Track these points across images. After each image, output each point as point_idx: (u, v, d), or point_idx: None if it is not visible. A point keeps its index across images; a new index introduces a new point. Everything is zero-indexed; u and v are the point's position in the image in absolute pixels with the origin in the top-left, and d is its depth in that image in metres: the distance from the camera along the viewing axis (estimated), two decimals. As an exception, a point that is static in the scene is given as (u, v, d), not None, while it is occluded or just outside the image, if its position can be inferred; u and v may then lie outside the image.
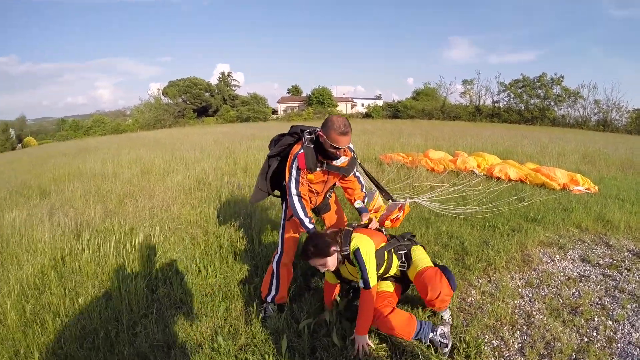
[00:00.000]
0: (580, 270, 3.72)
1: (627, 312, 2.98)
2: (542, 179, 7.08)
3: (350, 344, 2.50)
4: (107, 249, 3.98)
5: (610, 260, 3.94)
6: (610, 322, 2.85)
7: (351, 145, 2.86)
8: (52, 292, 3.34)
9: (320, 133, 2.62)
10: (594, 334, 2.72)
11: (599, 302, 3.13)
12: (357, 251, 2.46)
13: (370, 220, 2.94)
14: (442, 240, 4.27)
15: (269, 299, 2.99)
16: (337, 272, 2.69)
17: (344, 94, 74.40)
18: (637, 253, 4.09)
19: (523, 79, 48.36)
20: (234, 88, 66.22)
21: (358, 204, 3.05)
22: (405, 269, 2.74)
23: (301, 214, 2.70)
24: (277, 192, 3.17)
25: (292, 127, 2.94)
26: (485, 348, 2.56)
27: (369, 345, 2.45)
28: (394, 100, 59.42)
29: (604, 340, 2.66)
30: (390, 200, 3.17)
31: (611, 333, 2.73)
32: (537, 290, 3.33)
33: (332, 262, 2.46)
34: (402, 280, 2.82)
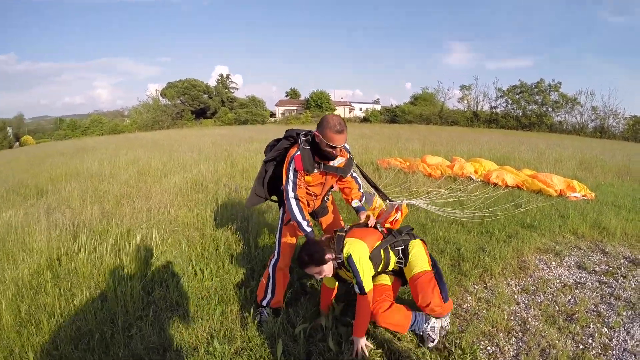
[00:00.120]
0: (576, 277, 3.73)
1: (622, 319, 2.99)
2: (539, 185, 7.10)
3: (347, 348, 2.51)
4: (104, 250, 3.97)
5: (606, 267, 3.95)
6: (606, 329, 2.86)
7: (347, 146, 2.86)
8: (47, 293, 3.33)
9: (316, 133, 2.61)
10: (590, 340, 2.73)
11: (595, 309, 3.14)
12: (349, 258, 2.45)
13: (368, 217, 2.94)
14: (438, 246, 4.28)
15: (264, 302, 2.98)
16: (335, 274, 2.68)
17: (342, 98, 74.56)
18: (633, 260, 4.11)
19: (521, 85, 48.70)
20: (232, 90, 66.30)
21: (355, 203, 3.04)
22: (402, 266, 2.73)
23: (299, 217, 2.69)
24: (274, 197, 3.15)
25: (287, 131, 2.92)
26: (481, 354, 2.56)
27: (367, 345, 2.50)
28: (392, 105, 59.67)
29: (600, 347, 2.67)
30: (387, 201, 3.17)
31: (607, 340, 2.74)
32: (533, 296, 3.34)
33: (328, 269, 2.46)
34: (400, 274, 2.81)
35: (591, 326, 2.89)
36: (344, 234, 2.62)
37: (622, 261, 4.10)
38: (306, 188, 2.81)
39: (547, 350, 2.61)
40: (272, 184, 3.03)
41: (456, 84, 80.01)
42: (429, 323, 2.59)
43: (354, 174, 3.08)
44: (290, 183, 2.70)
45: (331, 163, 2.76)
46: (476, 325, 2.84)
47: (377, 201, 3.31)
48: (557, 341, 2.68)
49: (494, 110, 50.49)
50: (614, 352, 2.62)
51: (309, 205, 2.94)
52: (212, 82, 65.34)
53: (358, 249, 2.49)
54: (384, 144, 14.73)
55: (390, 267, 2.74)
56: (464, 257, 3.97)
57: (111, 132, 49.32)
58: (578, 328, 2.85)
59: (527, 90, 47.94)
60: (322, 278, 2.61)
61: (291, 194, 2.70)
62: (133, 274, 3.58)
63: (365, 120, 55.28)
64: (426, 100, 55.65)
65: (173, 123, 55.34)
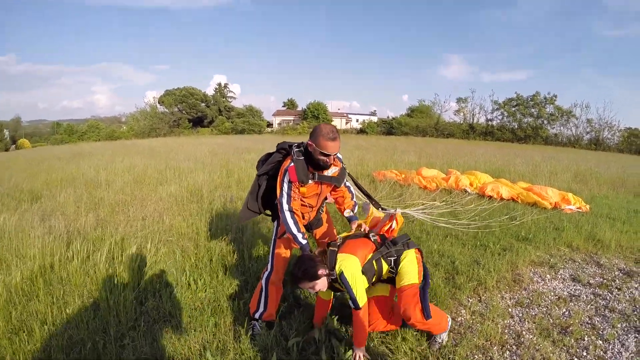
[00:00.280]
0: (571, 290, 3.74)
1: (617, 332, 3.00)
2: (534, 197, 7.14)
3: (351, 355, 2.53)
4: (97, 258, 3.93)
5: (601, 279, 3.97)
6: (601, 342, 2.86)
7: (340, 155, 2.86)
8: (40, 300, 3.30)
9: (309, 142, 2.62)
10: (584, 353, 2.73)
11: (589, 322, 3.15)
12: (341, 275, 2.43)
13: (360, 226, 2.94)
14: (433, 258, 4.28)
15: (256, 315, 2.96)
16: (331, 286, 2.67)
17: (339, 109, 75.05)
18: (628, 272, 4.13)
19: (517, 98, 49.20)
20: (230, 99, 66.69)
21: (348, 213, 3.03)
22: (394, 275, 2.70)
23: (294, 230, 2.68)
24: (268, 212, 3.13)
25: (279, 144, 2.91)
26: (475, 368, 2.55)
27: (365, 356, 2.52)
28: (388, 117, 60.05)
29: (594, 359, 2.66)
30: (380, 209, 3.18)
31: (601, 352, 2.74)
32: (527, 309, 3.34)
33: (321, 284, 2.44)
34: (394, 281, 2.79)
35: (586, 339, 2.89)
36: (336, 249, 2.59)
37: (616, 273, 4.12)
38: (301, 200, 2.80)
39: (541, 364, 2.61)
40: (265, 197, 3.02)
41: (453, 97, 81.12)
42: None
43: (347, 184, 3.08)
44: (285, 195, 2.69)
45: (325, 173, 2.76)
46: (470, 339, 2.82)
47: (372, 210, 3.31)
48: (552, 354, 2.67)
49: (490, 122, 50.94)
50: (608, 366, 2.62)
51: (304, 217, 2.92)
52: (210, 91, 65.86)
53: (350, 266, 2.47)
54: (380, 156, 14.78)
55: (384, 276, 2.73)
56: (459, 270, 3.97)
57: (108, 138, 49.34)
58: (572, 341, 2.85)
59: (523, 102, 48.43)
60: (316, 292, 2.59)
61: (285, 207, 2.69)
62: (126, 283, 3.55)
63: (361, 131, 55.57)
64: (422, 113, 56.10)
65: (170, 131, 55.45)
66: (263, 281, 3.00)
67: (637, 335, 2.94)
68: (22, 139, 56.80)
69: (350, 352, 2.55)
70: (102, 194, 7.41)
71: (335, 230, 3.37)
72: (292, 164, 2.66)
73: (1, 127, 58.03)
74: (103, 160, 14.62)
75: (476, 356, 2.68)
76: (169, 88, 62.01)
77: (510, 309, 3.34)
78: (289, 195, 2.69)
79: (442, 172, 9.61)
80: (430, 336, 2.76)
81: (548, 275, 4.05)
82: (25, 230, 4.83)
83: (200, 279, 3.70)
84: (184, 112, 60.40)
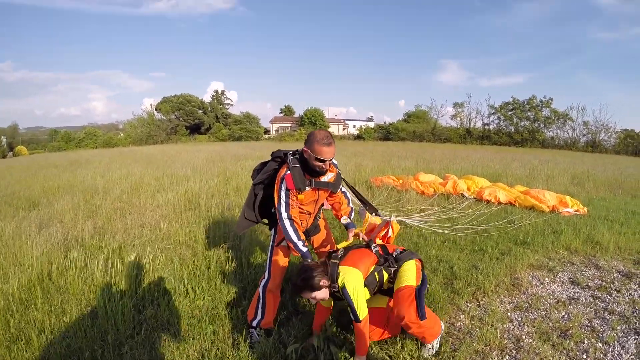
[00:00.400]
0: (570, 293, 3.73)
1: (617, 334, 2.99)
2: (531, 201, 7.16)
3: None
4: (95, 267, 3.92)
5: (600, 281, 3.97)
6: (600, 344, 2.85)
7: (335, 161, 2.87)
8: (37, 308, 3.29)
9: (305, 148, 2.63)
10: (584, 356, 2.72)
11: (589, 325, 3.14)
12: (343, 289, 2.41)
13: (357, 235, 2.92)
14: (431, 264, 4.26)
15: (254, 323, 2.94)
16: (332, 294, 2.65)
17: (336, 115, 75.29)
18: (627, 274, 4.13)
19: (513, 102, 49.48)
20: (227, 106, 66.83)
21: (345, 220, 3.04)
22: (392, 285, 2.69)
23: (294, 238, 2.67)
24: (265, 220, 3.12)
25: (273, 152, 2.91)
26: (475, 373, 2.54)
27: None
28: (385, 122, 60.38)
29: (594, 364, 2.66)
30: (374, 214, 3.18)
31: (601, 355, 2.73)
32: (526, 313, 3.33)
33: (322, 295, 2.43)
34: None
35: (585, 342, 2.89)
36: (337, 262, 2.56)
37: (615, 275, 4.12)
38: (299, 207, 2.80)
39: (541, 368, 2.60)
40: (263, 206, 3.01)
41: (449, 102, 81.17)
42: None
43: (343, 189, 3.09)
44: (283, 204, 2.68)
45: (322, 179, 2.77)
46: (469, 344, 2.81)
47: (369, 216, 3.32)
48: (552, 358, 2.67)
49: (486, 127, 51.17)
50: (608, 369, 2.61)
51: (301, 225, 2.92)
52: (207, 98, 66.02)
53: (352, 279, 2.44)
54: (377, 162, 14.80)
55: (385, 286, 2.72)
56: (457, 275, 3.96)
57: (105, 145, 49.39)
58: (572, 344, 2.84)
59: (519, 106, 48.70)
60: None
61: (284, 215, 2.68)
62: (124, 291, 3.53)
63: (358, 137, 55.74)
64: (419, 118, 56.40)
65: (167, 138, 55.49)
66: (260, 289, 2.98)
67: (637, 337, 2.93)
68: (19, 146, 56.77)
69: None
70: (99, 202, 7.40)
71: (333, 237, 3.36)
72: (289, 171, 2.65)
73: (-2, 134, 58.07)
74: (100, 167, 14.62)
75: (476, 361, 2.67)
76: (166, 95, 62.39)
77: (509, 313, 3.33)
78: (287, 204, 2.68)
79: (440, 177, 9.63)
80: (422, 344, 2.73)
81: (547, 279, 4.04)
82: (23, 238, 4.81)
83: (199, 287, 3.68)
84: (181, 119, 60.48)
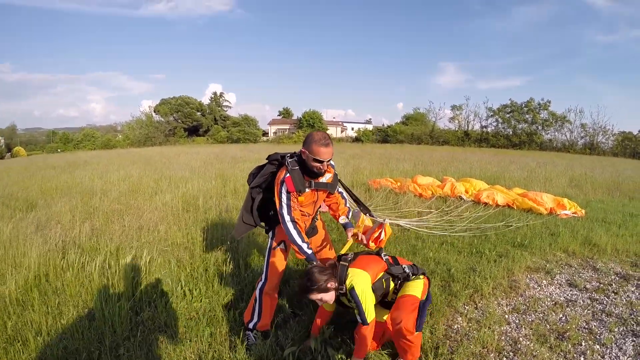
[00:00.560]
0: (567, 295, 3.73)
1: (614, 336, 2.99)
2: (529, 203, 7.17)
3: None
4: (92, 269, 3.91)
5: (597, 283, 3.97)
6: (598, 347, 2.85)
7: (332, 162, 2.87)
8: (34, 310, 3.28)
9: (303, 150, 2.63)
10: (582, 358, 2.72)
11: (586, 327, 3.14)
12: (352, 290, 2.41)
13: (355, 235, 2.93)
14: (429, 266, 4.26)
15: (250, 325, 2.94)
16: (337, 300, 2.64)
17: (334, 118, 75.43)
18: (624, 276, 4.13)
19: (511, 104, 49.61)
20: (225, 109, 66.85)
21: (342, 219, 3.05)
22: (395, 297, 2.70)
23: (298, 240, 2.67)
24: (263, 224, 3.11)
25: (269, 155, 2.91)
26: (472, 376, 2.54)
27: None
28: (383, 125, 60.43)
29: (591, 366, 2.65)
30: (368, 215, 3.18)
31: (599, 357, 2.74)
32: (523, 316, 3.33)
33: (329, 297, 2.44)
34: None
35: (583, 344, 2.89)
36: (347, 264, 2.57)
37: (613, 277, 4.12)
38: (300, 209, 2.80)
39: (538, 371, 2.60)
40: (260, 210, 3.00)
41: (447, 104, 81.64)
42: None
43: (340, 189, 3.10)
44: (285, 207, 2.68)
45: (320, 180, 2.77)
46: (467, 346, 2.81)
47: (363, 217, 3.32)
48: (549, 361, 2.67)
49: (484, 129, 51.33)
50: (605, 372, 2.61)
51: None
52: (205, 100, 66.04)
53: (361, 281, 2.45)
54: (375, 164, 14.80)
55: (389, 297, 2.71)
56: (455, 278, 3.96)
57: (103, 146, 49.34)
58: (570, 346, 2.84)
59: (517, 109, 48.84)
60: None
61: (287, 217, 2.68)
62: (121, 293, 3.52)
63: (357, 140, 55.82)
64: (417, 120, 56.54)
65: (166, 140, 55.48)
66: (257, 291, 2.98)
67: (634, 339, 2.94)
68: (17, 147, 56.75)
69: None
70: (97, 203, 7.38)
71: (330, 239, 3.36)
72: (288, 174, 2.66)
73: (-4, 135, 58.03)
74: (98, 169, 14.59)
75: (473, 363, 2.67)
76: (164, 97, 62.45)
77: (506, 316, 3.33)
78: (289, 206, 2.68)
79: (438, 180, 9.63)
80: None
81: (544, 281, 4.05)
82: (20, 239, 4.80)
83: (196, 289, 3.68)
84: (179, 121, 60.50)
